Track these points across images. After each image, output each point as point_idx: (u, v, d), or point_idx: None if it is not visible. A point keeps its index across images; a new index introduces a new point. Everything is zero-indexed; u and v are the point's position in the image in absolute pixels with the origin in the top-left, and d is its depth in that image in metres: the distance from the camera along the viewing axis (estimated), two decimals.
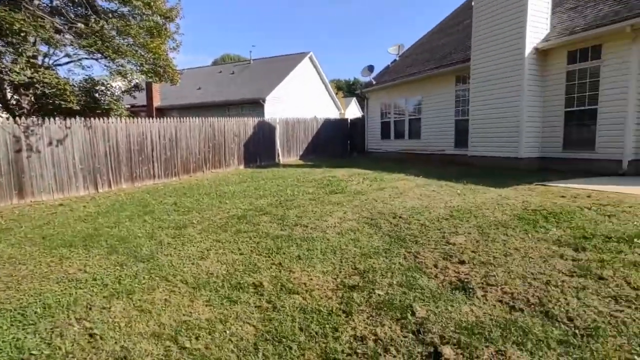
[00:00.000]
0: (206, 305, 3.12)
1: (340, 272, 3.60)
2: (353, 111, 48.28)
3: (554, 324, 2.53)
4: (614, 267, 3.20)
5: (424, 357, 2.32)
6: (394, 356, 2.36)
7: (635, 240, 3.66)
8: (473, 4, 10.22)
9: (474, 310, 2.77)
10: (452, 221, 4.78)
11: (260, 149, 14.44)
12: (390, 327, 2.65)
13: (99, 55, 10.02)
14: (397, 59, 16.65)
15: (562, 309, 2.67)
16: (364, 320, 2.76)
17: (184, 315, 2.98)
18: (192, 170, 11.98)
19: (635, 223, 4.14)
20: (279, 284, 3.42)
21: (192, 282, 3.56)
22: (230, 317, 2.92)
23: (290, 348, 2.50)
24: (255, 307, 3.06)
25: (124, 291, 3.44)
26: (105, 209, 7.26)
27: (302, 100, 22.25)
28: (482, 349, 2.34)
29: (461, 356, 2.29)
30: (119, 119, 10.18)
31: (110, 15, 10.01)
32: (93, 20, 9.20)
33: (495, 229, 4.37)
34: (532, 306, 2.76)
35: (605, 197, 5.30)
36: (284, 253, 4.16)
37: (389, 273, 3.47)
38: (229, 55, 54.28)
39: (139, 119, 11.07)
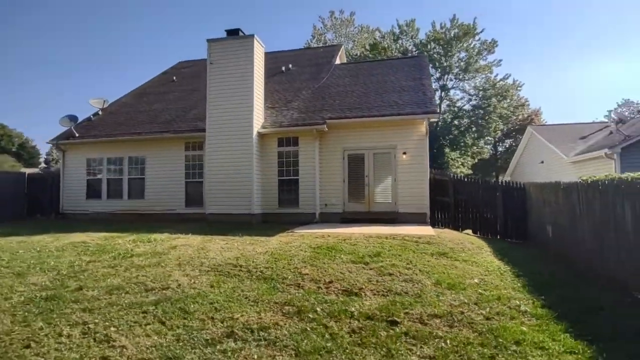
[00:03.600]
0: None
1: (274, 306, 4.36)
2: None
3: (410, 299, 4.82)
4: (391, 268, 5.97)
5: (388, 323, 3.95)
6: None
7: (381, 255, 6.72)
8: (207, 93, 12.16)
9: (369, 303, 4.62)
10: (281, 262, 6.26)
11: None
12: (357, 321, 4.02)
13: None
14: (100, 113, 15.64)
15: (402, 290, 5.02)
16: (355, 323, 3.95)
17: None
18: None
19: (374, 245, 7.30)
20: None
21: None
22: None
23: None
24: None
25: None
26: None
27: None
28: (398, 313, 4.25)
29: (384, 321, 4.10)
30: None
31: None
32: None
33: (314, 260, 6.32)
34: (393, 293, 4.94)
35: (340, 235, 8.48)
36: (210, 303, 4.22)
37: (309, 301, 4.62)
38: None
39: None
